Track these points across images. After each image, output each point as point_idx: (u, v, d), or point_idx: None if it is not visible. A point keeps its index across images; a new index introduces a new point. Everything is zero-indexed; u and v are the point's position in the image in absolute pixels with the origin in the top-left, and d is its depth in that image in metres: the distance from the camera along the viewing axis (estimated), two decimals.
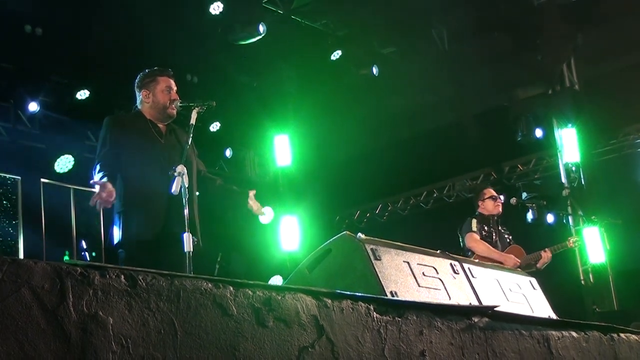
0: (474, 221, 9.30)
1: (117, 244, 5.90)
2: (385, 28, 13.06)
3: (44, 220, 11.42)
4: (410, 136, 14.96)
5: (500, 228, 9.47)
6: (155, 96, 6.16)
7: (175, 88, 6.20)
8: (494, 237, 9.27)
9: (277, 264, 13.63)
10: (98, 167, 5.85)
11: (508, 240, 9.41)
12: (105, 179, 5.66)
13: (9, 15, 10.11)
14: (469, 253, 9.13)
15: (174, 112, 6.16)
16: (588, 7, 12.39)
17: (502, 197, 9.55)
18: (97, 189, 5.61)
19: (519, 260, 9.15)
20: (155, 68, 6.26)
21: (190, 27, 11.43)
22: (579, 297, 13.05)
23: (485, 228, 9.30)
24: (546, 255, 9.60)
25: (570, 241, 9.89)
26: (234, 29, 11.67)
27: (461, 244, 9.32)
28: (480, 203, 9.49)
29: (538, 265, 9.53)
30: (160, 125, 6.20)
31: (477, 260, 8.84)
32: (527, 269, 9.42)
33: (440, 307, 3.90)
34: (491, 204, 9.40)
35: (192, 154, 6.26)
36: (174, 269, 3.61)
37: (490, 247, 9.14)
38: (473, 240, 9.15)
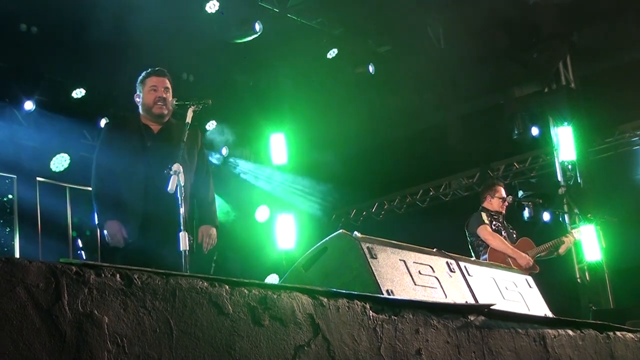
0: (484, 214, 9.24)
1: (113, 246, 6.02)
2: (381, 26, 13.07)
3: (40, 219, 11.42)
4: (406, 134, 14.97)
5: (506, 224, 9.45)
6: (143, 97, 6.26)
7: (163, 87, 6.25)
8: (502, 232, 9.23)
9: (273, 262, 13.63)
10: (96, 191, 6.14)
11: (514, 236, 9.39)
12: (109, 220, 5.95)
13: (4, 14, 10.10)
14: (481, 248, 9.08)
15: (160, 110, 6.21)
16: (583, 5, 12.40)
17: (510, 198, 9.54)
18: (106, 232, 5.96)
19: (531, 261, 9.13)
20: (149, 70, 6.34)
21: (186, 25, 11.41)
22: (575, 295, 13.07)
23: (494, 223, 9.26)
24: (568, 240, 9.65)
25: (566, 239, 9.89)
26: (230, 28, 11.67)
27: (469, 239, 9.24)
28: (488, 197, 9.42)
29: (560, 251, 9.58)
30: (153, 126, 6.28)
31: (485, 256, 8.93)
32: (547, 257, 9.51)
33: (436, 305, 3.90)
34: (498, 203, 9.37)
35: (194, 151, 6.31)
36: (169, 268, 3.63)
37: (505, 242, 9.08)
38: (488, 232, 9.07)
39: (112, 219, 5.96)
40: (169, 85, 6.30)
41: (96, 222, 6.10)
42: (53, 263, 2.51)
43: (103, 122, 11.05)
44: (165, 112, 6.24)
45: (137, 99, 6.36)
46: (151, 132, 6.26)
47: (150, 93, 6.25)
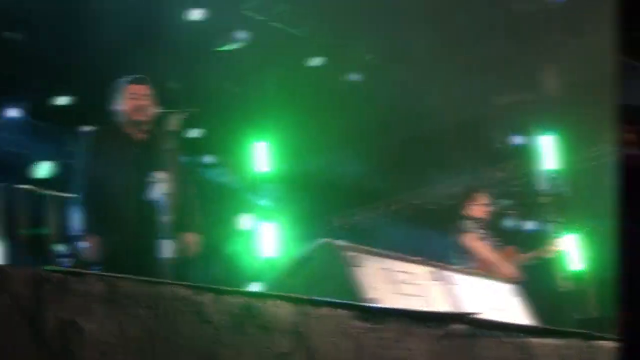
0: (468, 223, 9.23)
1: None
2: (369, 33, 13.05)
3: (21, 226, 11.33)
4: (391, 143, 14.95)
5: (489, 232, 9.44)
6: (124, 104, 6.27)
7: (143, 93, 6.27)
8: (486, 241, 9.23)
9: (256, 271, 13.58)
10: (84, 200, 6.10)
11: (498, 244, 9.38)
12: (92, 234, 5.94)
13: None
14: (465, 256, 9.06)
15: (141, 118, 6.24)
16: (571, 15, 12.44)
17: (492, 207, 9.54)
18: (85, 245, 5.96)
19: (515, 270, 9.13)
20: (128, 78, 6.37)
21: (170, 33, 11.39)
22: (558, 304, 13.07)
23: (478, 231, 9.26)
24: (552, 250, 9.72)
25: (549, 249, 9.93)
26: (215, 36, 11.65)
27: (453, 248, 9.22)
28: (471, 206, 9.42)
29: (544, 259, 9.64)
30: (137, 134, 6.27)
31: (469, 265, 8.93)
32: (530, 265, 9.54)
33: (419, 313, 3.90)
34: (481, 212, 9.38)
35: (175, 160, 6.29)
36: (152, 276, 3.62)
37: (488, 250, 9.08)
38: (473, 240, 9.07)
39: (95, 234, 5.94)
40: (148, 92, 6.32)
41: (78, 230, 6.04)
42: (37, 270, 2.50)
43: (85, 129, 11.05)
44: (144, 119, 6.25)
45: (117, 107, 6.36)
46: (134, 140, 6.27)
47: (130, 101, 6.28)
